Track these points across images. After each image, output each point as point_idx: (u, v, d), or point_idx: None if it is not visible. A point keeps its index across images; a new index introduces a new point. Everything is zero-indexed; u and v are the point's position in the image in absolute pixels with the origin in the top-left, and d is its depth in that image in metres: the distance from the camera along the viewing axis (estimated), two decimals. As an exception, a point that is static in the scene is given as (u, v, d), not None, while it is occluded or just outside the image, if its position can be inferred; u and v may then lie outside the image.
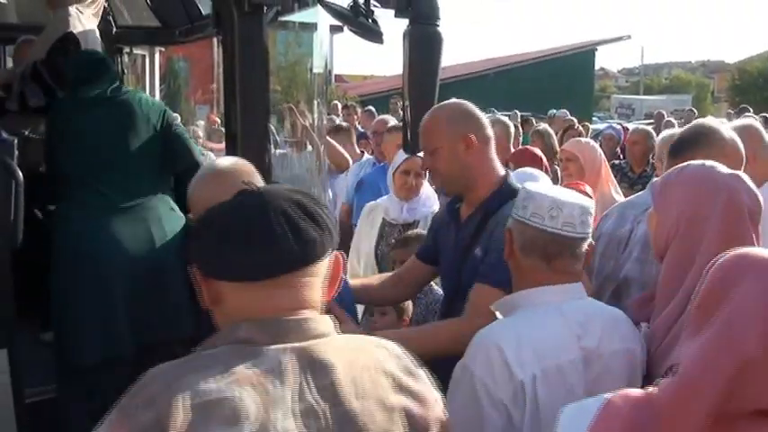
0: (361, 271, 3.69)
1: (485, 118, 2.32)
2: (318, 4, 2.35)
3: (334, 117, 6.85)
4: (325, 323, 1.30)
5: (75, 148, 3.06)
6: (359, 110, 8.67)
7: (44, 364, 3.05)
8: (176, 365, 1.20)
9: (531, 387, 1.71)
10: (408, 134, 2.43)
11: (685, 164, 2.00)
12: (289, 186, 1.38)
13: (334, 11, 2.33)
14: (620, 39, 39.72)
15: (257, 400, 1.15)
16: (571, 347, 1.78)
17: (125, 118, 3.06)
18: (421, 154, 2.36)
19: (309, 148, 2.91)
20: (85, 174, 3.06)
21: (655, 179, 2.21)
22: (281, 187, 1.35)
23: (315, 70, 2.84)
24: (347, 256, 3.64)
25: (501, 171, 2.34)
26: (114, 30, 3.72)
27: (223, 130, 8.45)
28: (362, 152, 6.03)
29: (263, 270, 1.24)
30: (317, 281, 1.30)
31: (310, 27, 2.83)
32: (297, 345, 1.23)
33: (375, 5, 2.37)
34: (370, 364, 1.29)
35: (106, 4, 3.63)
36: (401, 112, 9.72)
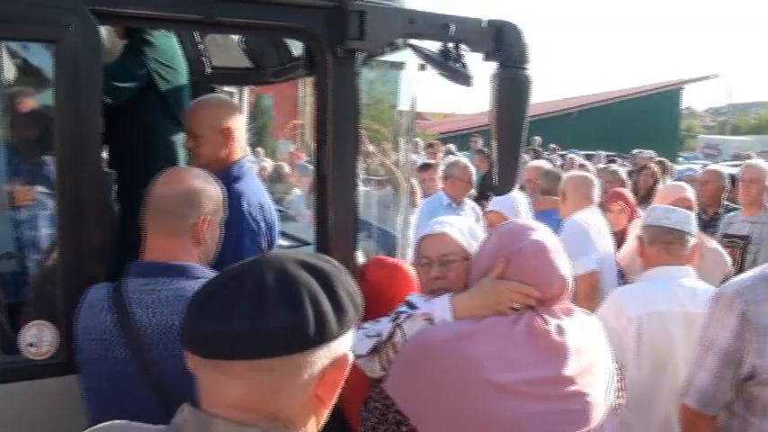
0: None
1: None
2: (408, 48, 2.38)
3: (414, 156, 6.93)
4: None
5: None
6: (441, 147, 8.74)
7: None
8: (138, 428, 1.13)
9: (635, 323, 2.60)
10: (496, 175, 2.42)
11: None
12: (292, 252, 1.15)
13: (424, 55, 2.36)
14: (707, 78, 38.64)
15: None
16: (672, 303, 2.64)
17: None
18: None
19: (395, 185, 2.92)
20: None
21: None
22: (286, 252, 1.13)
23: (402, 108, 2.88)
24: None
25: None
26: (208, 70, 3.85)
27: (307, 166, 8.66)
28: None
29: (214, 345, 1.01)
30: (289, 380, 1.02)
31: (398, 66, 2.87)
32: None
33: (465, 49, 2.37)
34: None
35: (201, 46, 3.78)
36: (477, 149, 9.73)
